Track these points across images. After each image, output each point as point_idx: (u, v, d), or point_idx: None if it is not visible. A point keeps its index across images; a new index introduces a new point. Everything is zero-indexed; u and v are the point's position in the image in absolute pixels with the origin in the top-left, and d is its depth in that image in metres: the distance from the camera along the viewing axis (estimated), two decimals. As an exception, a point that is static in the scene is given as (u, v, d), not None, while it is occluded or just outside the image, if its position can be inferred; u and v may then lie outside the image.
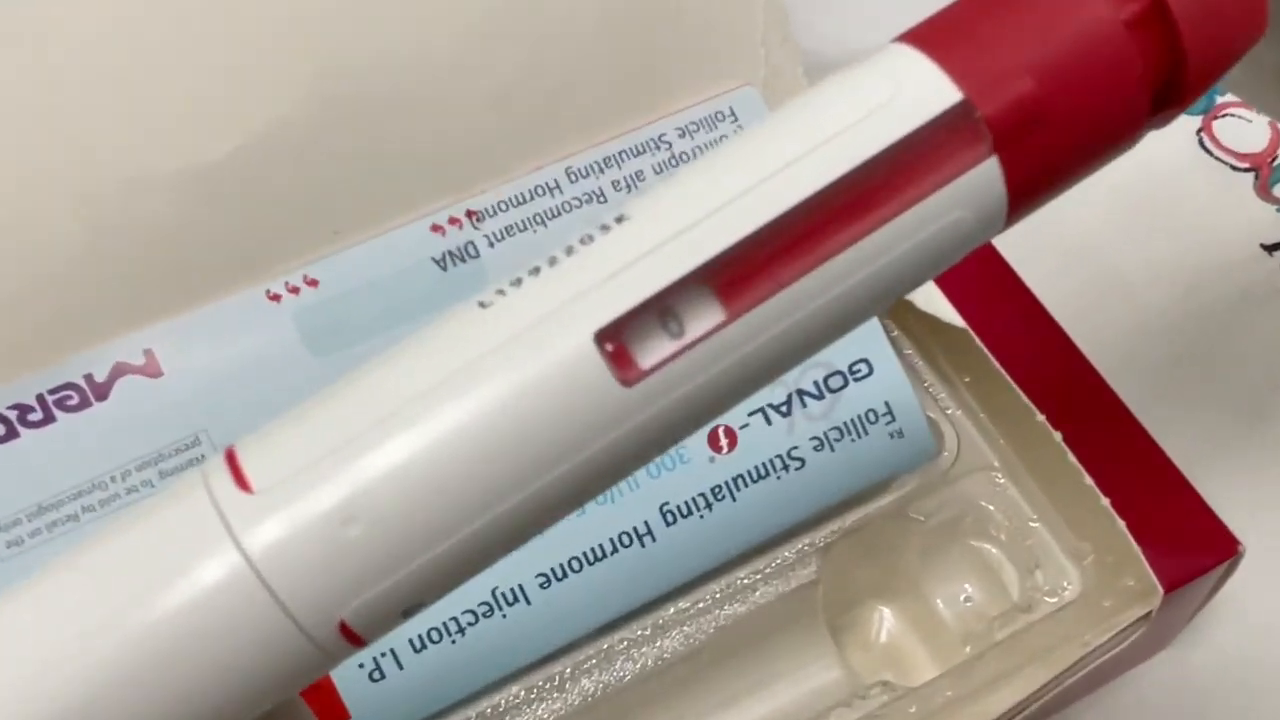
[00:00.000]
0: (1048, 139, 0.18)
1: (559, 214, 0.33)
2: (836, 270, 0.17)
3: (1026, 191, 0.18)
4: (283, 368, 0.30)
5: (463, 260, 0.32)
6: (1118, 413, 0.33)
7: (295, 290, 0.31)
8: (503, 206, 0.32)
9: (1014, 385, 0.33)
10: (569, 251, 0.18)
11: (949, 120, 0.17)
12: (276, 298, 0.31)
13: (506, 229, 0.32)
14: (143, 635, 0.17)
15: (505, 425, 0.17)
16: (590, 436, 0.17)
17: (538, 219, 0.32)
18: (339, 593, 0.17)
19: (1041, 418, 0.33)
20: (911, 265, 0.18)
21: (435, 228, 0.32)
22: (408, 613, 0.18)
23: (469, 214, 0.32)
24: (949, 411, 0.35)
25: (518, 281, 0.18)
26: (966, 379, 0.35)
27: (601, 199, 0.33)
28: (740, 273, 0.17)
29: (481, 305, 0.18)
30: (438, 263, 0.31)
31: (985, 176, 0.18)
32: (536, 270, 0.18)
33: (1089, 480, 0.32)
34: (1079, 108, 0.18)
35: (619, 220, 0.18)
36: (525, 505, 0.17)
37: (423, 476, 0.17)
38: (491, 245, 0.32)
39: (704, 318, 0.17)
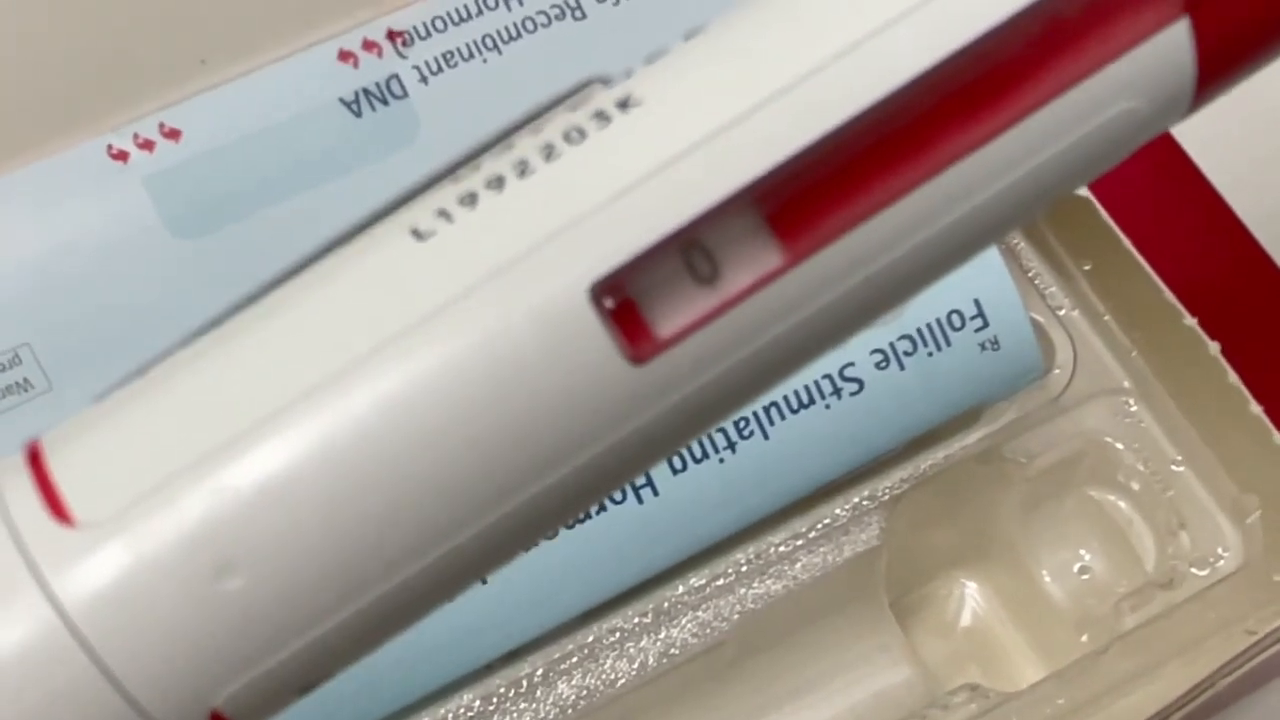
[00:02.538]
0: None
1: (517, 35, 0.32)
2: (949, 189, 0.16)
3: (1222, 68, 0.17)
4: (134, 254, 0.29)
5: (383, 101, 0.31)
6: (1297, 315, 0.33)
7: (148, 145, 0.30)
8: (438, 25, 0.31)
9: (1153, 275, 0.32)
10: (548, 154, 0.16)
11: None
12: (122, 156, 0.30)
13: (444, 57, 0.31)
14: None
15: (459, 425, 0.16)
16: (583, 439, 0.16)
17: (487, 42, 0.31)
18: (212, 676, 0.16)
19: (1192, 321, 0.32)
20: (1053, 177, 0.17)
21: (344, 55, 0.31)
22: (307, 688, 0.17)
23: (391, 35, 0.31)
24: (1062, 312, 0.34)
25: (470, 199, 0.16)
26: (1087, 266, 0.34)
27: (578, 13, 0.32)
28: (810, 193, 0.16)
29: (416, 236, 0.16)
30: (348, 105, 0.31)
31: (1170, 48, 0.17)
32: (499, 181, 0.16)
33: (1257, 408, 0.31)
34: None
35: (623, 106, 0.16)
36: (485, 535, 0.16)
37: (334, 502, 0.15)
38: (423, 80, 0.31)
39: (752, 260, 0.16)
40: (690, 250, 0.16)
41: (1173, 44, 0.17)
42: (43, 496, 0.16)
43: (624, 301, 0.16)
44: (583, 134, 0.16)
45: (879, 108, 0.16)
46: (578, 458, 0.16)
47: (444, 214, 0.16)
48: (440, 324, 0.16)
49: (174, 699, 0.16)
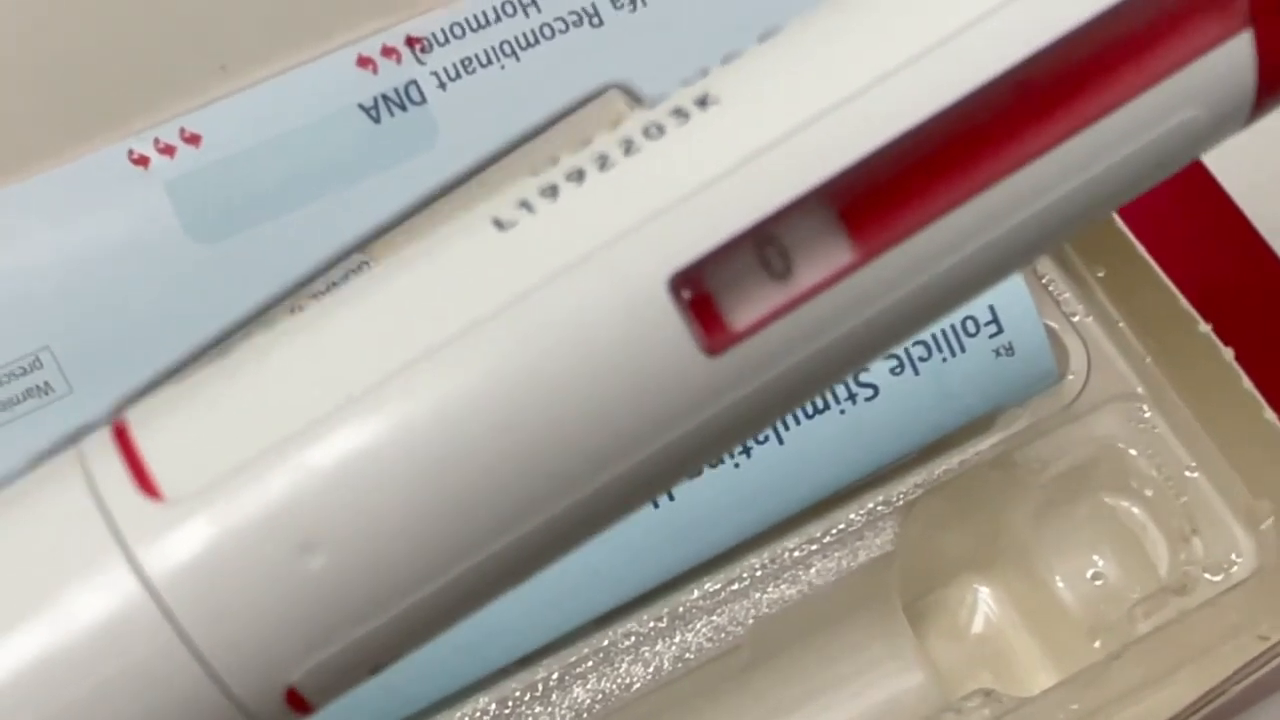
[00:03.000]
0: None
1: (535, 42, 0.32)
2: (1017, 192, 0.17)
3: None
4: (154, 258, 0.29)
5: (402, 107, 0.31)
6: (1311, 322, 0.33)
7: (169, 150, 0.30)
8: (457, 31, 0.31)
9: (1168, 281, 0.33)
10: (628, 148, 0.17)
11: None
12: (143, 161, 0.30)
13: (463, 63, 0.31)
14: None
15: (538, 410, 0.16)
16: (657, 426, 0.16)
17: (506, 49, 0.31)
18: (291, 651, 0.16)
19: (1206, 327, 0.32)
20: (1115, 183, 0.17)
21: (363, 61, 0.31)
22: (378, 668, 0.17)
23: (410, 42, 0.31)
24: (1076, 319, 0.34)
25: (551, 190, 0.17)
26: (1101, 273, 0.35)
27: (596, 20, 0.32)
28: (882, 192, 0.16)
29: (498, 225, 0.17)
30: (367, 111, 0.31)
31: (1233, 59, 0.17)
32: (579, 174, 0.17)
33: (1271, 414, 0.31)
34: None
35: (701, 104, 0.17)
36: (559, 519, 0.17)
37: (416, 484, 0.16)
38: (442, 86, 0.31)
39: (825, 257, 0.16)
40: (765, 246, 0.16)
41: (1236, 55, 0.17)
42: (130, 471, 0.16)
43: (701, 293, 0.16)
44: (661, 130, 0.17)
45: (951, 111, 0.16)
46: (651, 445, 0.16)
47: (525, 204, 0.17)
48: (522, 310, 0.16)
49: (254, 673, 0.16)
